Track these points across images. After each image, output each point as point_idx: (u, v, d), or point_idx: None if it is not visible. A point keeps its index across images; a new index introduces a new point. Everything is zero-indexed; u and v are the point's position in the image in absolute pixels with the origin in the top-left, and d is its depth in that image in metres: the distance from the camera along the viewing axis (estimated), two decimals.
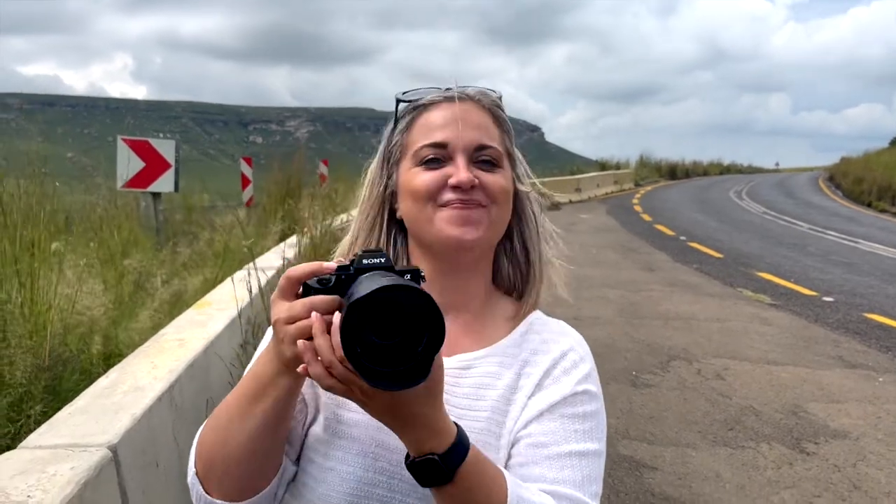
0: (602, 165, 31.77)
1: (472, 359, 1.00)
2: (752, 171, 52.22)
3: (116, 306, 3.80)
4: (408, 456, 0.81)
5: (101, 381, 2.21)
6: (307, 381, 0.85)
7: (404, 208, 1.02)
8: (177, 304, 4.23)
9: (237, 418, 0.85)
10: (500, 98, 1.05)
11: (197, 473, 0.88)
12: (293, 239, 5.31)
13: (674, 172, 37.37)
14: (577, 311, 7.26)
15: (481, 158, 0.98)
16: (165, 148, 6.89)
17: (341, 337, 0.71)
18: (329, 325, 0.75)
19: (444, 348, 0.73)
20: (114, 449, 1.77)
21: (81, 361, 3.00)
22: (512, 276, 1.09)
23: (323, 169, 13.88)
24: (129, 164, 6.57)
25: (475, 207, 0.96)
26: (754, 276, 9.35)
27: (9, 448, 1.82)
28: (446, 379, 0.85)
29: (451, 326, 0.92)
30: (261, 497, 0.89)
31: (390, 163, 1.04)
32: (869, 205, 22.05)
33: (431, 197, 0.96)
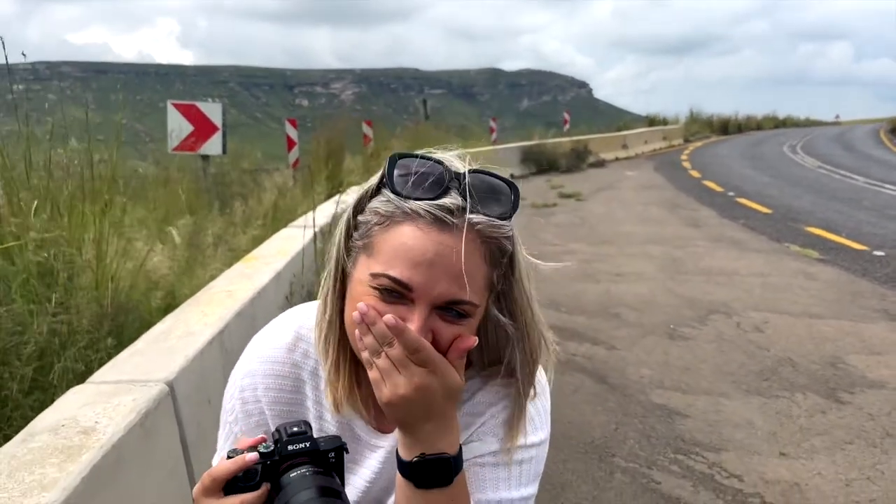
0: (650, 121, 31.01)
1: None
2: (810, 124, 50.08)
3: (176, 263, 4.05)
4: (409, 461, 0.81)
5: (158, 327, 2.41)
6: None
7: (347, 317, 0.86)
8: (229, 261, 4.47)
9: None
10: (510, 231, 0.85)
11: None
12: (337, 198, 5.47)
13: (725, 128, 36.16)
14: (619, 267, 7.30)
15: (452, 312, 0.82)
16: (213, 111, 7.12)
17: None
18: None
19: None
20: (170, 384, 1.93)
21: (141, 312, 3.25)
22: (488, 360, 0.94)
23: (367, 130, 14.03)
24: (179, 127, 6.82)
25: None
26: (803, 232, 9.16)
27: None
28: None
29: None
30: None
31: (351, 242, 0.87)
32: None
33: None
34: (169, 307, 3.42)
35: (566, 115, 25.41)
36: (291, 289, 3.37)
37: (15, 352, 2.33)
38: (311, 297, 3.77)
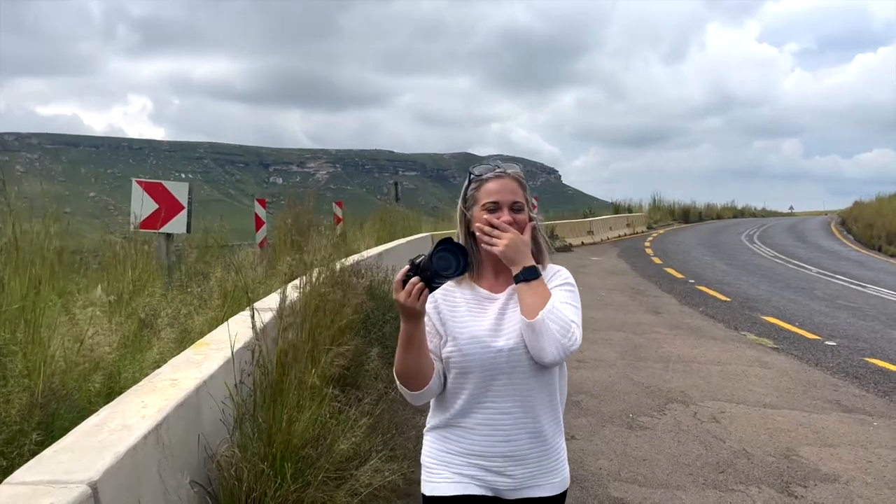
0: (616, 208, 31.88)
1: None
2: (766, 214, 51.84)
3: (123, 345, 3.93)
4: (518, 273, 1.77)
5: (91, 420, 2.26)
6: (434, 325, 1.86)
7: (475, 229, 1.93)
8: (182, 343, 4.35)
9: (402, 354, 1.77)
10: (522, 171, 1.93)
11: (400, 383, 1.83)
12: (297, 281, 5.44)
13: (687, 215, 37.32)
14: (581, 353, 7.32)
15: (514, 208, 1.86)
16: (179, 190, 7.12)
17: (424, 277, 1.66)
18: (415, 285, 1.67)
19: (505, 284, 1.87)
20: (94, 486, 1.81)
21: (79, 399, 3.09)
22: (535, 255, 1.91)
23: (337, 210, 14.15)
24: (142, 205, 6.80)
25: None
26: (759, 320, 9.35)
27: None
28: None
29: (508, 277, 1.86)
30: (429, 386, 1.82)
31: (467, 204, 1.90)
32: (879, 249, 21.87)
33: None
34: (111, 392, 3.28)
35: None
36: (242, 376, 3.28)
37: None
38: (272, 384, 3.66)
